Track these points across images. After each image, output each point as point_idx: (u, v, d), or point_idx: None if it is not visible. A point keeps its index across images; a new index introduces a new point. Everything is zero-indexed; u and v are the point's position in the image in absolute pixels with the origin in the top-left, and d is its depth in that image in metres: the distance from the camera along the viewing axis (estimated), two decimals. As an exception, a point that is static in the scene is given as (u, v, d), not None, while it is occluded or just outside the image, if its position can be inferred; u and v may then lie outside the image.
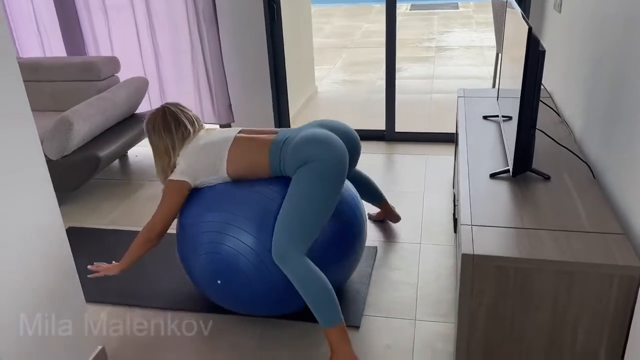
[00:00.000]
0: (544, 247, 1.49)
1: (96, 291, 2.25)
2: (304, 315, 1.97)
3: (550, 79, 2.82)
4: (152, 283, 2.38)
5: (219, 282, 1.94)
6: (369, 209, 2.69)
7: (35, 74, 3.58)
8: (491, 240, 1.54)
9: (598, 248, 1.46)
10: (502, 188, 1.85)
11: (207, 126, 2.21)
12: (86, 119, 2.98)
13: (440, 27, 9.44)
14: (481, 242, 1.53)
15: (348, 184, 2.17)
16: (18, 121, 1.53)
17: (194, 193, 2.02)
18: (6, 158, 1.48)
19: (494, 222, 1.63)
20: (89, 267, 2.05)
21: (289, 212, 1.82)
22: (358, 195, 2.23)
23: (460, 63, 6.67)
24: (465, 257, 1.49)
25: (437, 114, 4.66)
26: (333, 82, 6.10)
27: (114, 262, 2.08)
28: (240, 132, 2.06)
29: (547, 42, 2.99)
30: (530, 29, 1.63)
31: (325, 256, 1.93)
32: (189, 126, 2.06)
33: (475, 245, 1.51)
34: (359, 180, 2.56)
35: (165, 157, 2.05)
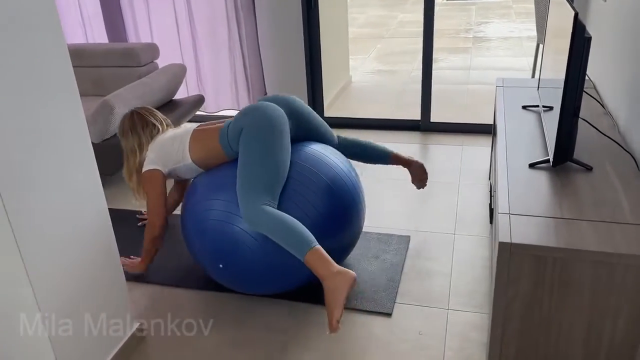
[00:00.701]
0: (584, 237, 1.46)
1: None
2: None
3: (594, 70, 2.74)
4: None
5: (220, 266, 2.00)
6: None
7: (78, 60, 3.67)
8: (529, 230, 1.52)
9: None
10: (541, 178, 1.82)
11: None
12: (126, 103, 3.05)
13: (478, 17, 9.25)
14: (519, 231, 1.51)
15: (336, 159, 2.15)
16: (68, 104, 1.58)
17: (198, 178, 2.15)
18: (57, 139, 1.53)
19: (532, 212, 1.61)
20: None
21: (239, 180, 1.91)
22: (352, 171, 2.19)
23: (498, 54, 6.54)
24: (502, 245, 1.47)
25: (473, 105, 4.59)
26: (367, 72, 6.07)
27: (138, 258, 2.33)
28: (199, 125, 2.25)
29: (591, 32, 2.91)
30: (576, 14, 1.59)
31: (320, 232, 1.90)
32: (157, 125, 2.33)
33: (513, 234, 1.49)
34: (353, 147, 2.43)
35: (132, 157, 2.30)
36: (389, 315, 2.04)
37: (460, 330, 1.95)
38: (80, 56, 3.68)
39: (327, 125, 2.34)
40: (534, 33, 4.19)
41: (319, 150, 2.13)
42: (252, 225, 1.85)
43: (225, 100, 4.06)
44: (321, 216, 1.97)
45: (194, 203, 2.07)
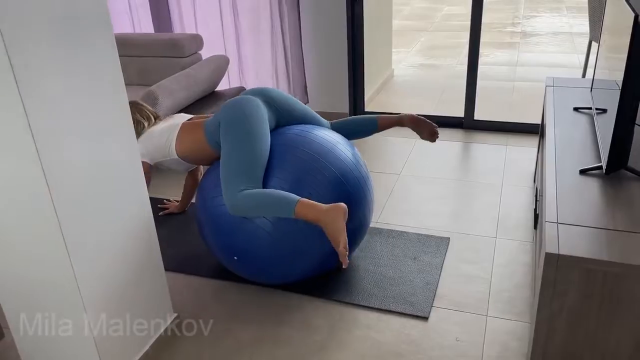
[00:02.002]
0: (638, 251, 1.39)
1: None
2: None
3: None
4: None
5: (235, 258, 2.04)
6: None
7: (123, 49, 3.72)
8: (578, 241, 1.45)
9: (701, 258, 1.34)
10: (592, 185, 1.74)
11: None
12: (170, 93, 3.09)
13: (527, 10, 8.97)
14: (567, 242, 1.44)
15: (347, 150, 2.13)
16: (114, 93, 1.60)
17: (213, 168, 2.15)
18: (103, 132, 1.55)
19: (582, 222, 1.54)
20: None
21: (221, 172, 1.96)
22: (359, 160, 2.17)
23: (548, 50, 6.31)
24: (549, 256, 1.41)
25: (520, 103, 4.45)
26: (410, 66, 5.97)
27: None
28: (189, 119, 2.33)
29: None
30: (636, 17, 1.50)
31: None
32: (142, 121, 2.40)
33: (561, 245, 1.43)
34: (342, 129, 2.35)
35: None
36: (425, 319, 2.01)
37: (500, 338, 1.89)
38: (126, 45, 3.73)
39: (315, 112, 2.32)
40: (586, 29, 4.01)
41: (329, 140, 2.11)
42: (236, 212, 1.90)
43: (266, 92, 4.06)
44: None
45: (206, 197, 2.09)
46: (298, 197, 1.84)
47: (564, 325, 1.47)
